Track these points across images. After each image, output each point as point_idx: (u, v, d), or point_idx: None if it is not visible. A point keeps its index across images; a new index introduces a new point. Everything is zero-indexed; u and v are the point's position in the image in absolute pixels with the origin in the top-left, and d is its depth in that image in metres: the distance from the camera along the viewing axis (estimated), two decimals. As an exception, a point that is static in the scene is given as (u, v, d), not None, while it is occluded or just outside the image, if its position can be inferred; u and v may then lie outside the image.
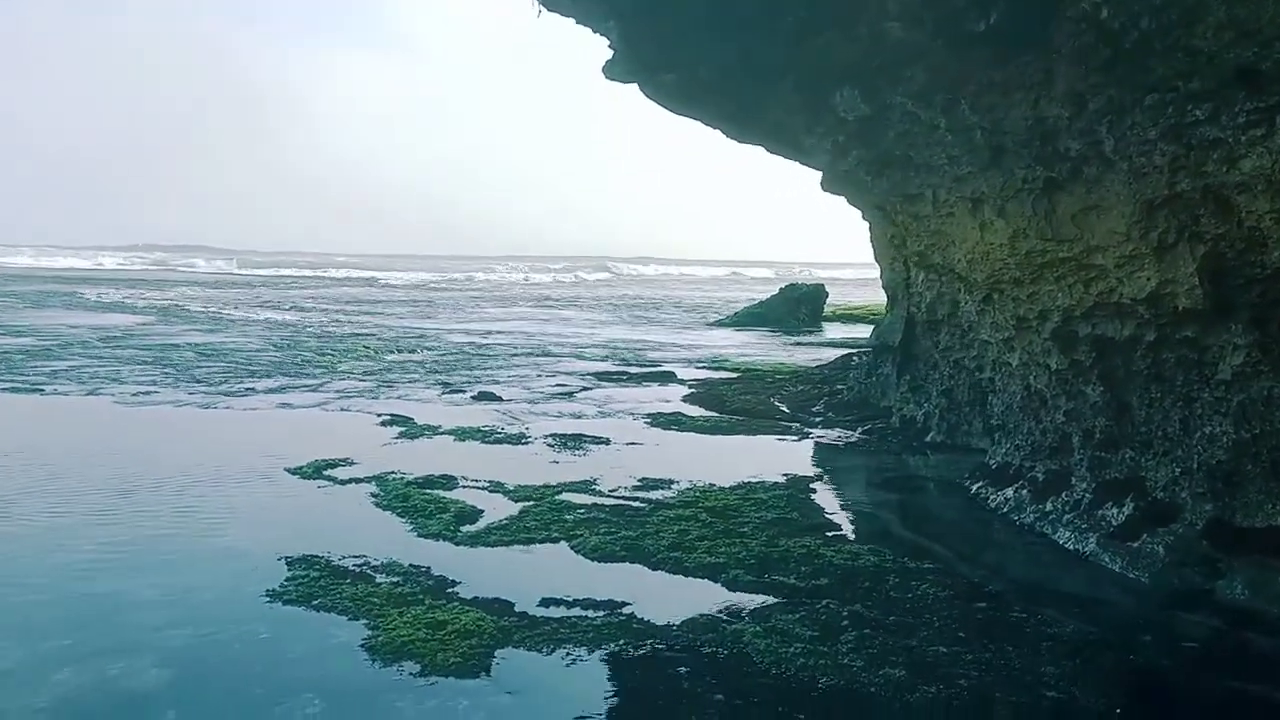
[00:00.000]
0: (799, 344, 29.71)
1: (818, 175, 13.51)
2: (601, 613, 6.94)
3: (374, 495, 10.08)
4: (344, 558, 8.02)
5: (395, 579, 7.54)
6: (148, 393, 16.27)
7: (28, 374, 17.96)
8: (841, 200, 14.33)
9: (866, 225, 14.99)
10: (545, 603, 7.12)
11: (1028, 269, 9.06)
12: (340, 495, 10.11)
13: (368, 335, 28.51)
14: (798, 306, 41.13)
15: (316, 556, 8.02)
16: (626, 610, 7.01)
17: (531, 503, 9.79)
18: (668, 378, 20.91)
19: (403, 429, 13.63)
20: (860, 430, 14.06)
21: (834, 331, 35.57)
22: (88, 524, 8.78)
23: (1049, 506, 9.06)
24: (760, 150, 14.10)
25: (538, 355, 24.53)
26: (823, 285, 44.39)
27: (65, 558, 7.90)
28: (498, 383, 18.93)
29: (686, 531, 8.78)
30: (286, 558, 8.00)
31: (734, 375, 21.32)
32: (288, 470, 11.06)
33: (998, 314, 10.01)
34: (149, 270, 75.54)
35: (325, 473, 10.98)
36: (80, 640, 6.40)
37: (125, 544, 8.28)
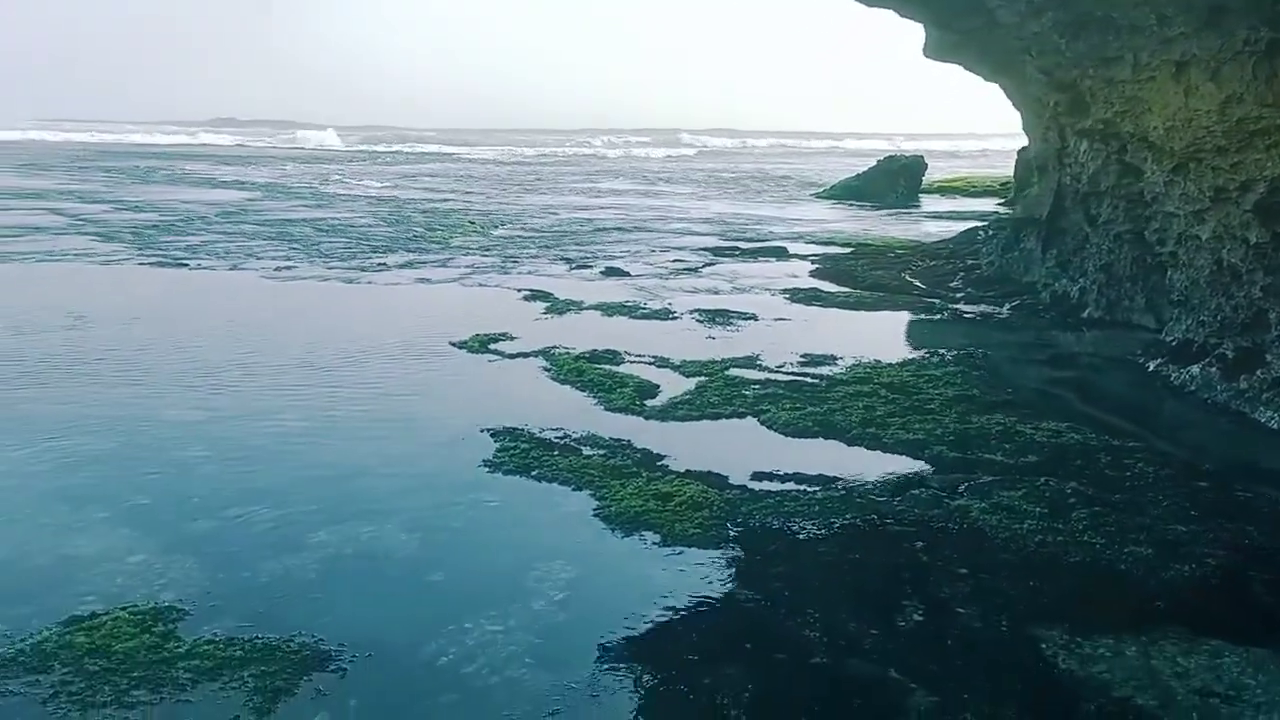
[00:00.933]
0: (903, 217, 29.07)
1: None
2: (816, 487, 7.01)
3: (546, 369, 10.21)
4: (543, 430, 8.17)
5: (601, 451, 7.68)
6: (289, 268, 16.55)
7: (166, 249, 18.36)
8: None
9: (1000, 94, 14.41)
10: (757, 476, 7.21)
11: (1235, 137, 8.64)
12: (513, 369, 10.27)
13: (468, 210, 28.53)
14: (896, 179, 40.00)
15: (516, 429, 8.18)
16: (840, 484, 7.06)
17: (704, 378, 9.84)
18: (781, 253, 20.68)
19: (548, 304, 13.71)
20: (1008, 306, 13.80)
21: (933, 205, 34.68)
22: (293, 395, 9.06)
23: (1243, 384, 8.84)
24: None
25: (643, 230, 24.37)
26: (921, 157, 42.98)
27: (282, 426, 8.18)
28: (615, 258, 18.90)
29: (873, 408, 8.77)
30: (488, 429, 8.18)
31: (848, 250, 20.99)
32: (453, 344, 11.24)
33: (1191, 185, 9.61)
34: (244, 145, 76.17)
35: (490, 347, 11.14)
36: (324, 506, 6.67)
37: (332, 414, 8.53)
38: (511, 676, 4.83)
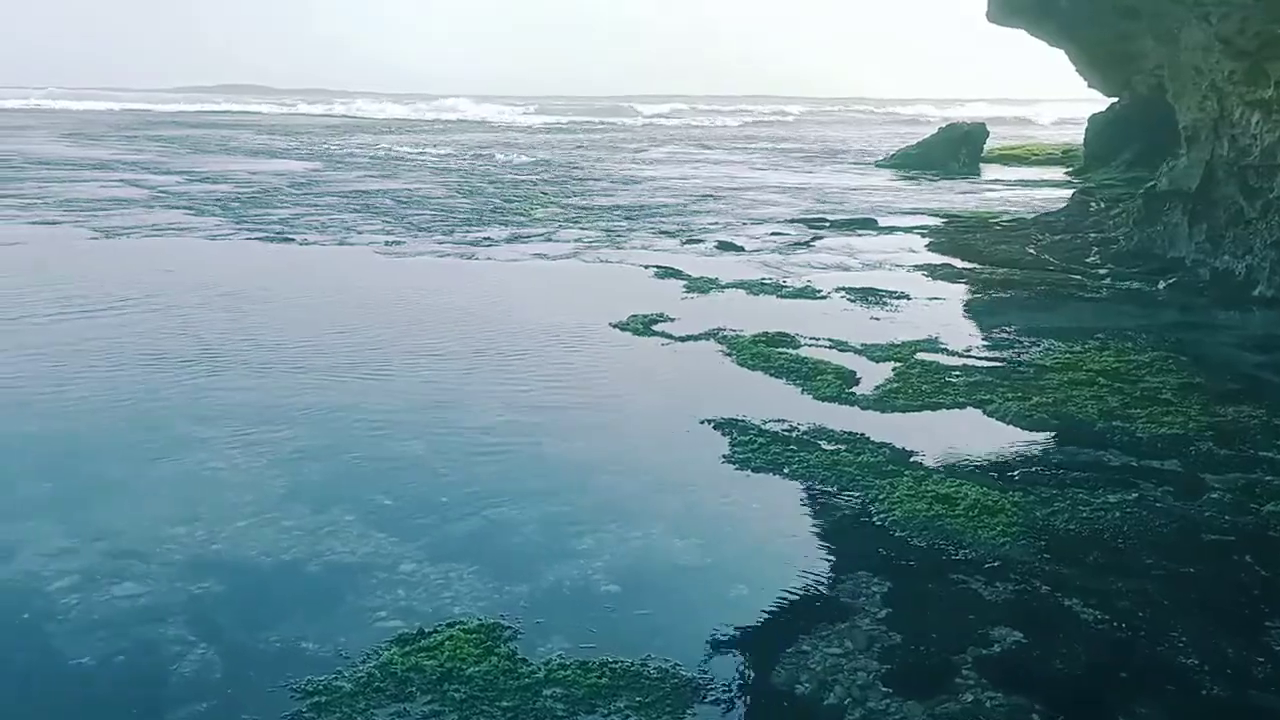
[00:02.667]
0: (975, 187, 28.32)
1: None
2: (1100, 488, 6.53)
3: (724, 353, 9.76)
4: (765, 422, 7.73)
5: (840, 445, 7.23)
6: (397, 243, 16.14)
7: (260, 222, 17.95)
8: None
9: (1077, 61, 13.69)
10: (1028, 477, 6.75)
11: None
12: (691, 353, 9.82)
13: (531, 180, 27.92)
14: (958, 148, 39.12)
15: (737, 420, 7.75)
16: (1120, 484, 6.59)
17: (898, 364, 9.37)
18: (871, 223, 20.17)
19: (686, 283, 13.23)
20: (1163, 284, 13.23)
21: (996, 173, 33.89)
22: (482, 383, 8.65)
23: None
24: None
25: (721, 201, 23.72)
26: (984, 125, 42.04)
27: (489, 418, 7.77)
28: (711, 230, 18.38)
29: (1102, 398, 8.29)
30: (707, 421, 7.74)
31: (943, 221, 20.37)
32: (613, 326, 10.80)
33: None
34: (285, 112, 75.60)
35: (654, 328, 10.69)
36: (576, 508, 6.27)
37: (534, 405, 8.12)
38: (876, 709, 4.41)
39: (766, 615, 5.11)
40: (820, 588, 5.35)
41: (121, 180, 24.54)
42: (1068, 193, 25.70)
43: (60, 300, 11.19)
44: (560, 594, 5.28)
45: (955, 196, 25.55)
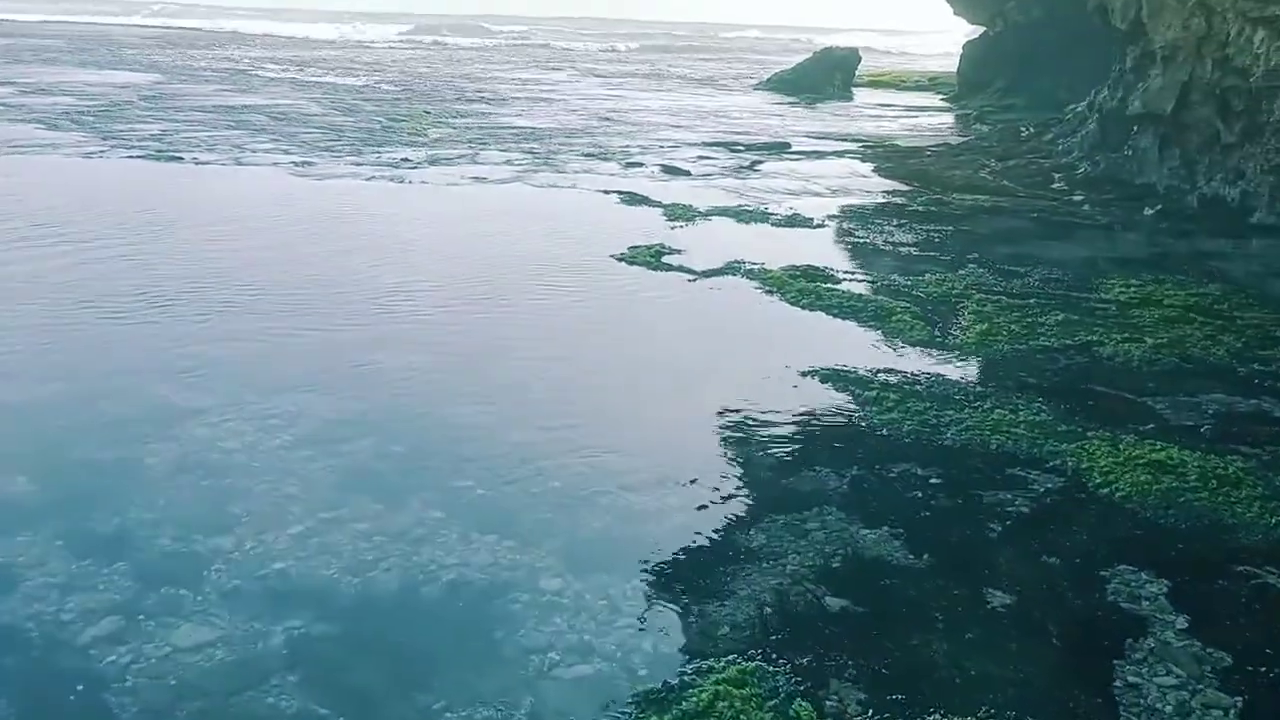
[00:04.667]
0: (861, 111, 27.74)
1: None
2: (1301, 445, 5.72)
3: (764, 290, 8.63)
4: (875, 371, 6.66)
5: (984, 401, 6.23)
6: (308, 164, 14.16)
7: (130, 139, 15.53)
8: None
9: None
10: (1222, 434, 5.88)
11: None
12: (728, 290, 8.65)
13: (406, 98, 25.63)
14: (832, 73, 38.73)
15: (839, 370, 6.65)
16: (1316, 440, 5.81)
17: (960, 300, 8.44)
18: (784, 148, 19.27)
19: (661, 210, 11.93)
20: (1149, 211, 12.76)
21: (871, 97, 33.57)
22: (519, 327, 7.26)
23: None
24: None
25: (620, 124, 22.19)
26: (856, 50, 41.76)
27: (553, 368, 6.42)
28: (633, 155, 17.00)
29: (1214, 338, 7.57)
30: (810, 372, 6.60)
31: (859, 146, 19.62)
32: (614, 258, 9.47)
33: None
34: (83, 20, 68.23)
35: (664, 260, 9.41)
36: (742, 485, 5.03)
37: (597, 358, 6.79)
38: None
39: (1070, 642, 4.03)
40: (1105, 596, 4.30)
41: (-62, 90, 21.09)
42: (949, 118, 25.49)
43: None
44: (782, 614, 4.06)
45: (846, 121, 24.79)
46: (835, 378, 6.48)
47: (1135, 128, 14.39)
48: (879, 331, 7.53)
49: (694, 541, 4.60)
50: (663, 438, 5.65)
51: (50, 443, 5.28)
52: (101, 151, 13.96)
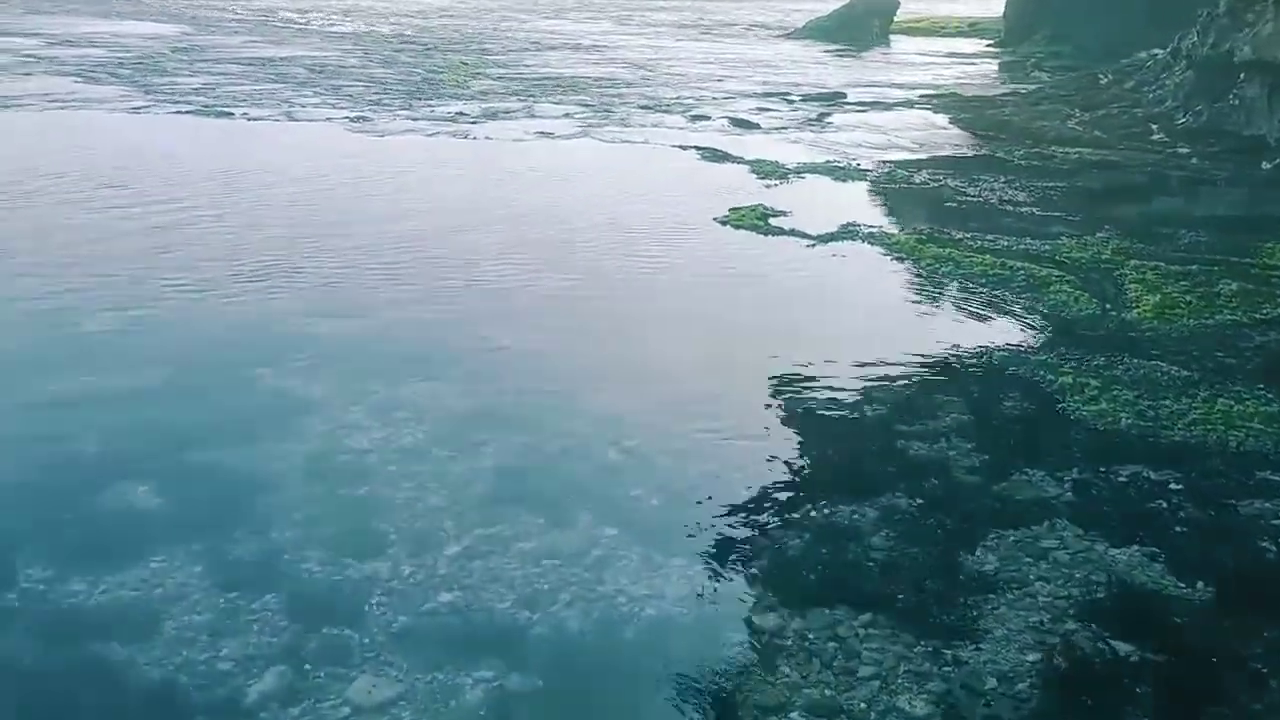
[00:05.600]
0: (905, 60, 26.60)
1: None
2: None
3: (895, 256, 7.91)
4: (1056, 353, 5.94)
5: (1212, 389, 5.49)
6: (363, 117, 13.40)
7: (173, 94, 14.80)
8: None
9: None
10: None
11: None
12: (858, 260, 7.98)
13: (437, 47, 24.68)
14: (870, 19, 37.53)
15: (1019, 350, 5.96)
16: None
17: (1118, 271, 7.67)
18: (840, 98, 18.39)
19: (747, 167, 11.18)
20: (1267, 165, 11.91)
21: (911, 45, 32.38)
22: (637, 304, 6.53)
23: None
24: None
25: (661, 73, 21.16)
26: (895, -6, 40.28)
27: (731, 346, 5.71)
28: (691, 106, 16.15)
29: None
30: (983, 352, 5.91)
31: (922, 96, 18.67)
32: (717, 220, 8.75)
33: None
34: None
35: (770, 223, 8.70)
36: (974, 498, 4.35)
37: (782, 347, 6.09)
38: None
39: None
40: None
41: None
42: (999, 66, 24.44)
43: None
44: (1057, 664, 3.41)
45: (894, 69, 23.71)
46: (1015, 360, 5.80)
47: (1241, 76, 13.47)
48: (1039, 304, 6.82)
49: (914, 564, 3.95)
50: (847, 443, 4.97)
51: (166, 443, 4.65)
52: (148, 106, 13.26)
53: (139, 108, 13.11)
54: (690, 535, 4.11)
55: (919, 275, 7.40)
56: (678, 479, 4.48)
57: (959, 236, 8.39)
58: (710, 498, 4.35)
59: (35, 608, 3.51)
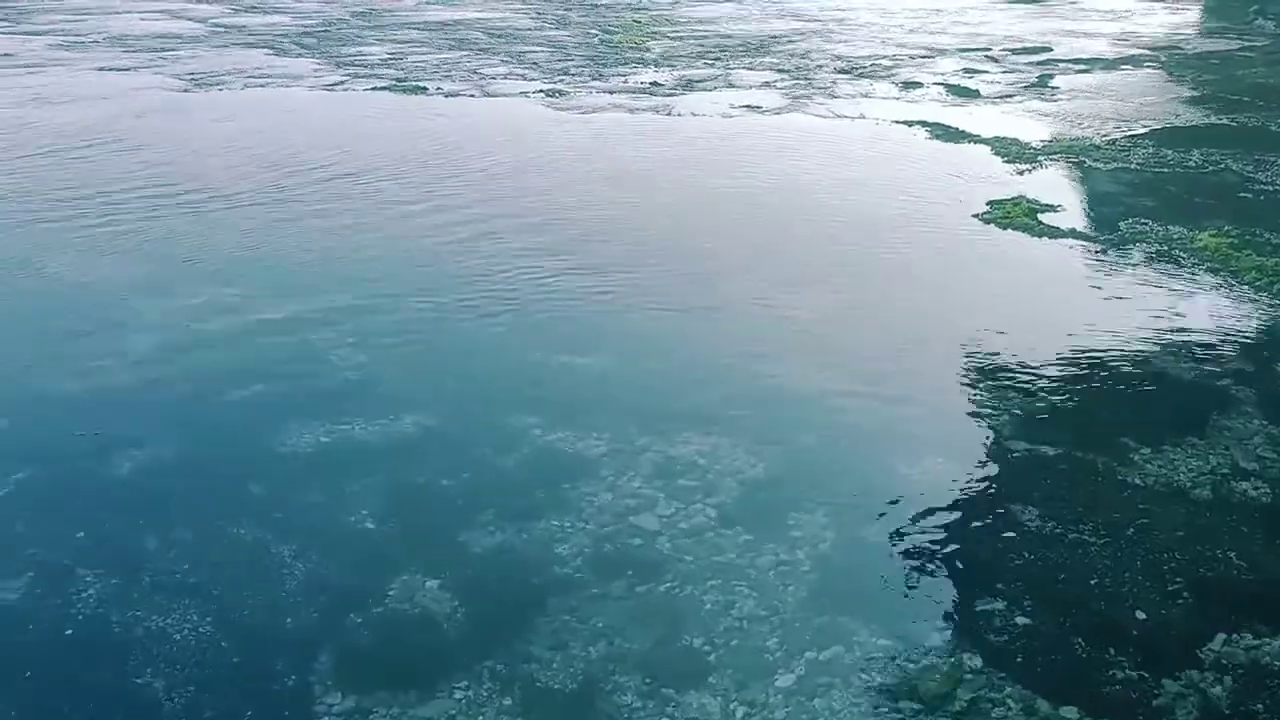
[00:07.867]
0: (1093, 6, 23.90)
1: None
2: None
3: (1209, 269, 6.84)
4: None
5: None
6: (558, 91, 12.79)
7: (359, 66, 14.48)
8: None
9: None
10: None
11: None
12: (1163, 277, 6.87)
13: (599, 4, 23.67)
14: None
15: None
16: None
17: None
18: (1047, 50, 16.90)
19: (991, 149, 10.14)
20: None
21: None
22: (918, 322, 5.67)
23: None
24: None
25: (843, 28, 19.60)
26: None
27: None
28: (890, 69, 14.87)
29: None
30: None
31: (1140, 52, 16.85)
32: (977, 218, 7.76)
33: None
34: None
35: (1040, 220, 7.66)
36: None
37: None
38: None
39: None
40: None
41: (160, 10, 20.62)
42: (1197, 13, 21.82)
43: (262, 188, 8.08)
44: None
45: (1084, 18, 21.07)
46: None
47: None
48: None
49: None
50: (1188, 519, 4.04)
51: (428, 519, 4.09)
52: (343, 83, 12.96)
53: (334, 84, 12.82)
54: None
55: (1252, 300, 6.27)
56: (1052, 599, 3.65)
57: (1276, 240, 7.19)
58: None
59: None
